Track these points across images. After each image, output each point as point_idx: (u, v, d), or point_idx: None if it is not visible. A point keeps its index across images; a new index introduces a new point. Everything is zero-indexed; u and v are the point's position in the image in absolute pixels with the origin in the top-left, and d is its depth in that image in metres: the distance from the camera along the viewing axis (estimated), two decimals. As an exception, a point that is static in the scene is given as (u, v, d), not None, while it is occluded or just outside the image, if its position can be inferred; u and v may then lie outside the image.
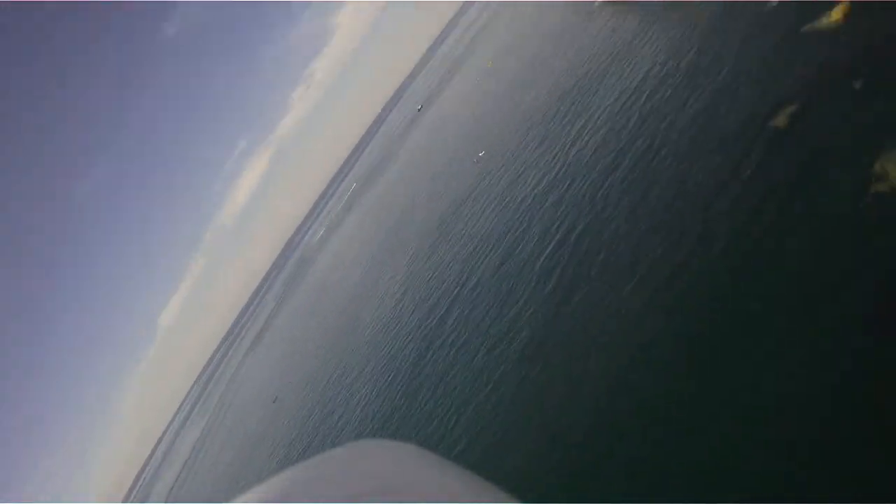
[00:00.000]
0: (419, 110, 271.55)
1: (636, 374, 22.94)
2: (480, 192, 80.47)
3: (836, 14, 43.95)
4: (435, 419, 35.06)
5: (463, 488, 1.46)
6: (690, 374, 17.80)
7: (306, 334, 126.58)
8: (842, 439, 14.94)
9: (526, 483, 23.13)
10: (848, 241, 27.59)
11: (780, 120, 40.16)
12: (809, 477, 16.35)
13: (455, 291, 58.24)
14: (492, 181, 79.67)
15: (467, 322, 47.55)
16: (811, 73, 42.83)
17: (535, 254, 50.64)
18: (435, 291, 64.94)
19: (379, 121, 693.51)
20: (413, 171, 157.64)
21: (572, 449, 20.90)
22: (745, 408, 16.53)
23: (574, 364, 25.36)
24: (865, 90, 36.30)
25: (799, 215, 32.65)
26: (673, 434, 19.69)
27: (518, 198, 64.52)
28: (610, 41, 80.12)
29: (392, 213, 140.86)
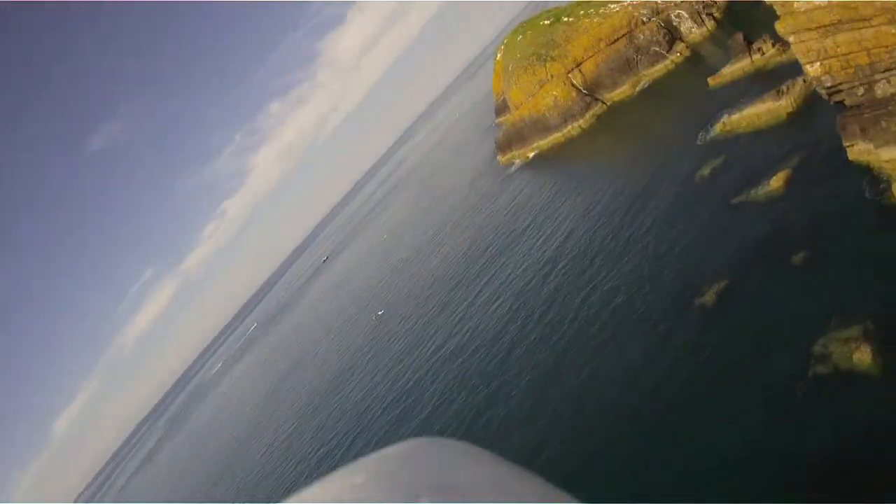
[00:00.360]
0: (325, 261, 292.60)
1: None
2: (377, 351, 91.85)
3: (776, 181, 48.62)
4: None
5: (522, 486, 1.51)
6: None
7: (190, 466, 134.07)
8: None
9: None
10: (784, 435, 27.57)
11: (708, 297, 45.74)
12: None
13: (337, 455, 68.30)
14: (389, 341, 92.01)
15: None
16: (746, 245, 48.44)
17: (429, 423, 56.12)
18: (318, 451, 75.76)
19: (287, 264, 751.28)
20: (312, 321, 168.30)
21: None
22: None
23: None
24: (805, 264, 39.43)
25: (725, 403, 32.84)
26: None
27: (414, 363, 74.87)
28: (528, 205, 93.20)
29: (288, 359, 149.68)
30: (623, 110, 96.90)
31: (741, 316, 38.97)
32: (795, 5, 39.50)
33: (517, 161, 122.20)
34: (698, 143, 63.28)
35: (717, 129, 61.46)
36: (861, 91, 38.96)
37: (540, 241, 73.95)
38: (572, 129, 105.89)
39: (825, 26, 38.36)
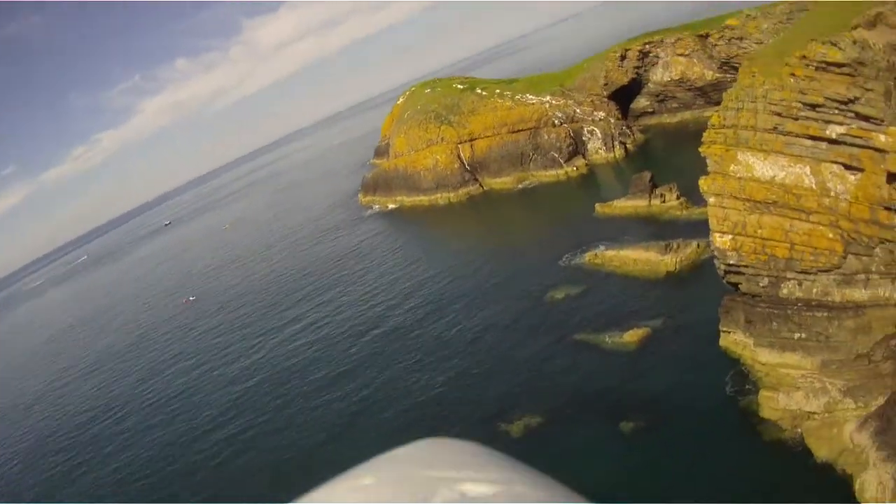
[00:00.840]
0: (166, 225, 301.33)
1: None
2: (171, 338, 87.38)
3: (631, 336, 44.45)
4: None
5: (533, 486, 1.57)
6: None
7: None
8: None
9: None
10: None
11: (515, 427, 40.16)
12: None
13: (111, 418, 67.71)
14: (187, 332, 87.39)
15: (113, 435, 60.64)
16: (577, 391, 41.70)
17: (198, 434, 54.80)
18: (95, 400, 74.69)
19: (136, 212, 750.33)
20: (131, 279, 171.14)
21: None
22: None
23: None
24: (633, 436, 35.92)
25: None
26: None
27: (201, 367, 70.69)
28: (369, 253, 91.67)
29: (90, 307, 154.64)
30: (499, 201, 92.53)
31: (540, 458, 32.48)
32: (732, 168, 34.77)
33: (376, 206, 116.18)
34: (561, 263, 59.19)
35: (587, 258, 57.13)
36: (765, 283, 34.39)
37: (361, 293, 72.19)
38: (441, 198, 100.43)
39: (756, 202, 33.71)
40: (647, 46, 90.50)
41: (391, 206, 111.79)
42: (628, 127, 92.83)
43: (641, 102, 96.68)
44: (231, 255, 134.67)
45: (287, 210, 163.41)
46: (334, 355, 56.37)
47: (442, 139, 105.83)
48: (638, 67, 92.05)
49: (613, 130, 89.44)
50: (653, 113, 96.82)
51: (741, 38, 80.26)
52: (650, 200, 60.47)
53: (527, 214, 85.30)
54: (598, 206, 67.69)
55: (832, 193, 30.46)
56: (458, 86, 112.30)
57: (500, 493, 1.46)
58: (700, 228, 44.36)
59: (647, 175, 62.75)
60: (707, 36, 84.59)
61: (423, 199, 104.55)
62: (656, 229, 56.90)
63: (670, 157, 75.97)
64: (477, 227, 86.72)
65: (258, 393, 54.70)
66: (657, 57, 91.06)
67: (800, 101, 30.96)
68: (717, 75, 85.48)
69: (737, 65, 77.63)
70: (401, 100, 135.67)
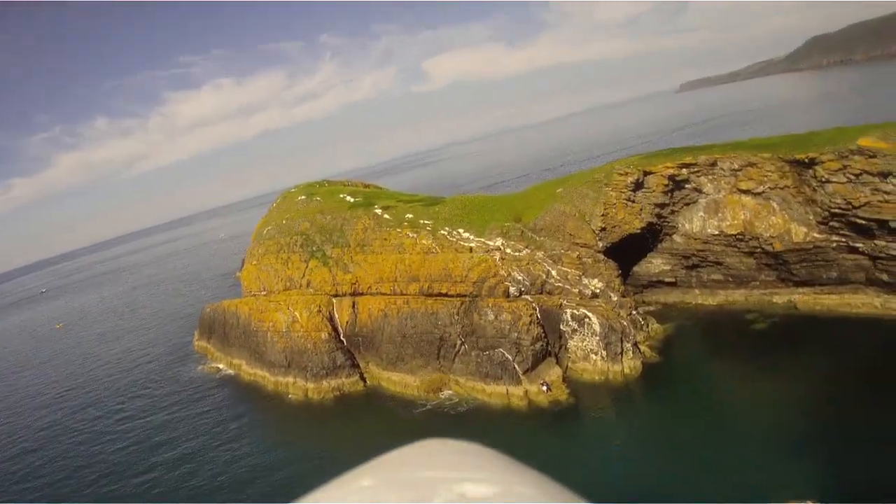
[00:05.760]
0: (42, 293, 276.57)
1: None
2: None
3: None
4: None
5: (533, 486, 1.48)
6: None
7: None
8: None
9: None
10: None
11: None
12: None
13: None
14: None
15: None
16: None
17: None
18: None
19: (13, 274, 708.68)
20: None
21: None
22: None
23: None
24: None
25: None
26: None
27: None
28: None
29: None
30: (392, 421, 48.85)
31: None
32: None
33: (208, 360, 72.90)
34: None
35: None
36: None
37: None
38: (294, 386, 58.00)
39: None
40: (683, 170, 50.18)
41: (223, 368, 68.89)
42: (638, 312, 51.13)
43: (656, 265, 55.70)
44: (40, 359, 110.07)
45: (122, 325, 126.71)
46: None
47: (308, 283, 63.30)
48: (663, 205, 51.58)
49: (623, 320, 47.19)
50: (673, 284, 55.80)
51: (885, 175, 41.69)
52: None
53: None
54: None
55: None
56: (348, 197, 69.20)
57: (500, 494, 1.46)
58: None
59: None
60: (811, 164, 45.05)
61: (266, 378, 59.99)
62: None
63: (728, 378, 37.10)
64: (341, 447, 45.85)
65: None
66: (698, 191, 50.97)
67: None
68: (817, 236, 46.09)
69: (863, 222, 41.03)
70: (277, 202, 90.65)
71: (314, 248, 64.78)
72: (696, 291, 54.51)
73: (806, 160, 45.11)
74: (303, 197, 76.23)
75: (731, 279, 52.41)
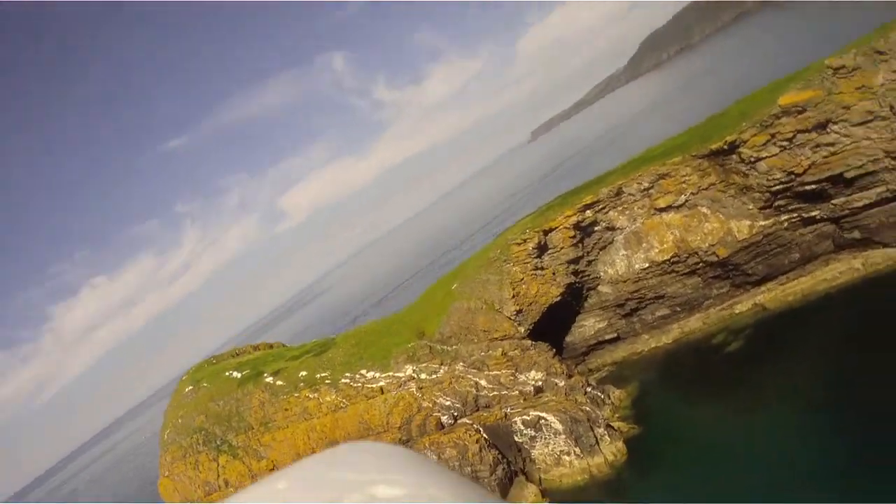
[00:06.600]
0: None
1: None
2: None
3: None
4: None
5: (446, 488, 1.51)
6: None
7: None
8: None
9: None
10: None
11: None
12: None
13: None
14: None
15: None
16: None
17: None
18: None
19: None
20: None
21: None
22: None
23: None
24: None
25: None
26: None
27: None
28: None
29: None
30: None
31: None
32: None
33: None
34: None
35: None
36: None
37: None
38: None
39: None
40: (587, 213, 43.88)
41: None
42: (593, 386, 43.56)
43: (590, 326, 48.54)
44: None
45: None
46: None
47: (225, 482, 53.81)
48: (576, 260, 44.92)
49: (582, 406, 39.37)
50: (616, 339, 48.71)
51: (823, 125, 36.65)
52: None
53: None
54: None
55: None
56: (234, 373, 59.78)
57: (410, 495, 1.48)
58: None
59: None
60: (732, 148, 39.42)
61: None
62: None
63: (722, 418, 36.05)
64: None
65: None
66: (611, 228, 44.73)
67: None
68: (764, 223, 40.62)
69: (813, 187, 35.62)
70: (169, 402, 79.87)
71: (218, 442, 55.06)
72: (645, 336, 47.52)
73: (725, 146, 39.34)
74: (190, 387, 66.26)
75: (679, 308, 45.80)
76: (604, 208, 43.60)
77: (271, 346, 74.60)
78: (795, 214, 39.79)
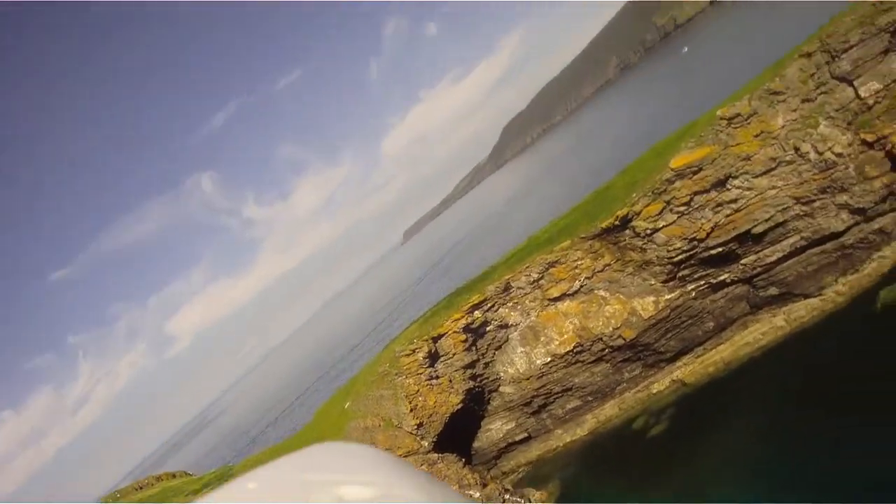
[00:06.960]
0: None
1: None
2: None
3: None
4: None
5: (415, 489, 1.51)
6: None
7: None
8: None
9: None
10: None
11: None
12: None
13: None
14: None
15: None
16: None
17: None
18: None
19: None
20: None
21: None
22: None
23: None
24: None
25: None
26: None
27: None
28: None
29: None
30: None
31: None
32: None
33: None
34: None
35: None
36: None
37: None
38: None
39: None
40: (475, 314, 41.39)
41: None
42: (512, 491, 40.26)
43: (497, 429, 45.59)
44: None
45: None
46: None
47: None
48: (472, 364, 42.18)
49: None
50: (528, 439, 45.72)
51: (725, 181, 35.97)
52: None
53: None
54: None
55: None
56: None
57: (378, 496, 1.49)
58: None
59: None
60: (625, 223, 38.06)
61: None
62: None
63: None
64: None
65: None
66: (504, 326, 42.46)
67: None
68: (670, 296, 39.32)
69: (719, 249, 37.54)
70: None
71: None
72: (559, 431, 44.87)
73: (617, 222, 37.83)
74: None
75: (591, 398, 43.51)
76: (493, 306, 41.36)
77: (174, 476, 68.94)
78: (703, 282, 38.59)
